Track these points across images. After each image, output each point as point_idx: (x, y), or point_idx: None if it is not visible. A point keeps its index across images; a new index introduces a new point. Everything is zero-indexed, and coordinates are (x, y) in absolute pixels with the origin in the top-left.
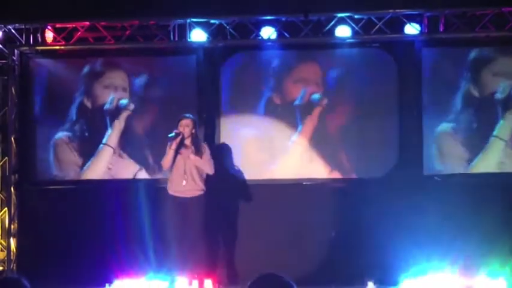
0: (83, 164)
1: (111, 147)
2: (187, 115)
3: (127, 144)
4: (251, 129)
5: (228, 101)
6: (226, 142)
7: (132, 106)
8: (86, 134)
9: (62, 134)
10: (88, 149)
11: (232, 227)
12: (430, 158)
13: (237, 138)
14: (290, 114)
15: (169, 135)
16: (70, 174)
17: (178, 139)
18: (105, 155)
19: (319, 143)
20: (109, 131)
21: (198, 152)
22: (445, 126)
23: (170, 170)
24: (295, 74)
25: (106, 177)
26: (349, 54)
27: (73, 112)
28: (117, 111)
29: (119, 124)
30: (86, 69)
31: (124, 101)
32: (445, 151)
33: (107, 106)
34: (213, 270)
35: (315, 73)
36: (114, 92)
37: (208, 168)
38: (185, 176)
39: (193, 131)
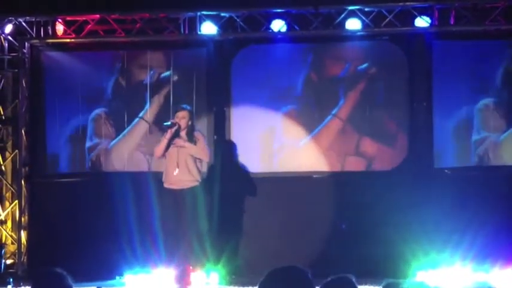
0: (116, 137)
1: (147, 122)
2: (184, 106)
3: (160, 120)
4: (261, 122)
5: (238, 94)
6: (236, 135)
7: (176, 77)
8: (122, 110)
9: (99, 110)
10: (123, 123)
11: (241, 219)
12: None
13: (246, 131)
14: (330, 89)
15: (165, 124)
16: (103, 144)
17: (173, 129)
18: (140, 129)
19: (328, 136)
20: (147, 106)
21: (191, 142)
22: (486, 100)
23: (161, 158)
24: (337, 52)
25: (136, 151)
26: (359, 46)
27: (108, 90)
28: (158, 84)
29: (158, 99)
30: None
31: (166, 73)
32: (484, 120)
33: (146, 81)
34: (219, 263)
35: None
36: (150, 70)
37: (204, 155)
38: (177, 165)
39: (190, 122)
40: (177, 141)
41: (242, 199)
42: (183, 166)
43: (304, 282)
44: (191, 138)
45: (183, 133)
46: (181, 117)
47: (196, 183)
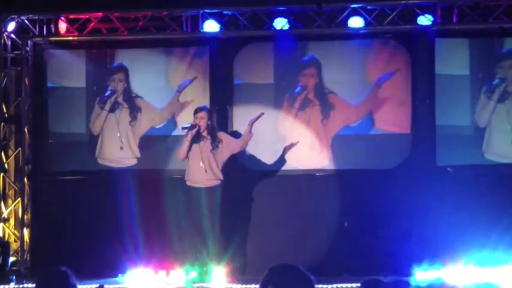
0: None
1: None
2: (203, 107)
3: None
4: (263, 119)
5: (240, 92)
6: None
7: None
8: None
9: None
10: None
11: (245, 217)
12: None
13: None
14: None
15: (184, 126)
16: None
17: (194, 131)
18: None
19: (330, 134)
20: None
21: (214, 141)
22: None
23: (185, 160)
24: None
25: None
26: (362, 45)
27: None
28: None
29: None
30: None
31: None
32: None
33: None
34: (223, 260)
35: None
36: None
37: (238, 147)
38: (202, 165)
39: (209, 122)
40: (201, 143)
41: (244, 197)
42: (207, 165)
43: (304, 278)
44: (214, 138)
45: (204, 133)
46: (201, 118)
47: (218, 182)
